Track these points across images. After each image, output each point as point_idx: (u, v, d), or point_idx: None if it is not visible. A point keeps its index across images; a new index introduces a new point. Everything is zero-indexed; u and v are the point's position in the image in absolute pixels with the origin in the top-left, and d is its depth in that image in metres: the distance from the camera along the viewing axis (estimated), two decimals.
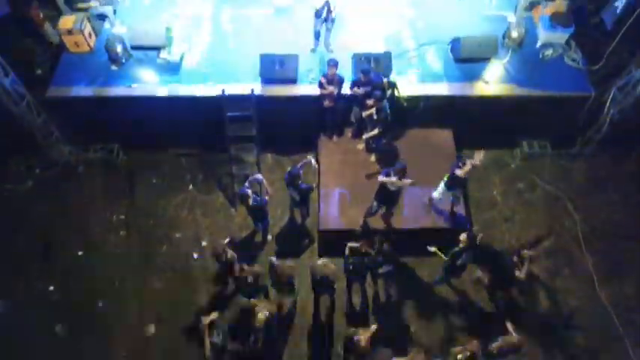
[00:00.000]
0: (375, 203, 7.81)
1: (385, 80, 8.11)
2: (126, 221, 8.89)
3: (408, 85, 8.75)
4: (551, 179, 9.29)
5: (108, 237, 8.74)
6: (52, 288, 8.27)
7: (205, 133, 8.98)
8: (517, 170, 9.46)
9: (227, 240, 7.37)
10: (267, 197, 7.57)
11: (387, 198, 7.64)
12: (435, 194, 8.02)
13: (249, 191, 7.28)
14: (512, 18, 9.63)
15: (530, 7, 9.63)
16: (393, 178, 7.15)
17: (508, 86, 8.83)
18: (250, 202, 7.32)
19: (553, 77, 8.90)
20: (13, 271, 8.40)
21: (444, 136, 9.13)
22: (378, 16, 9.84)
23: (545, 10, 9.26)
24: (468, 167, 7.21)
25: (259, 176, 7.59)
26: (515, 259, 7.22)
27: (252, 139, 8.57)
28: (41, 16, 9.05)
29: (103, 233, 8.76)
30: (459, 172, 7.30)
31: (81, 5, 8.86)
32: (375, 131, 8.08)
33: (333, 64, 7.85)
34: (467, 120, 8.96)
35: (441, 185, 7.82)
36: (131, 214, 8.95)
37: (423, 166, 8.53)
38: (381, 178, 7.23)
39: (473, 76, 8.95)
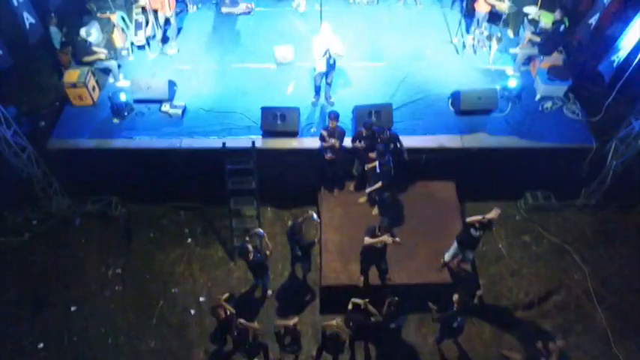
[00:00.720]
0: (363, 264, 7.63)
1: (387, 133, 8.11)
2: (122, 276, 8.67)
3: (409, 137, 8.74)
4: (557, 231, 9.13)
5: (103, 292, 8.49)
6: (41, 345, 7.94)
7: (205, 185, 8.86)
8: (522, 222, 9.32)
9: (225, 296, 7.12)
10: (267, 252, 7.39)
11: (372, 256, 7.44)
12: (447, 256, 7.84)
13: (250, 246, 7.11)
14: (510, 71, 9.79)
15: (528, 61, 9.79)
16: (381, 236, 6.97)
17: (509, 138, 8.82)
18: (251, 257, 7.13)
19: (554, 129, 8.92)
20: (1, 325, 8.09)
21: (446, 189, 9.04)
22: (379, 69, 10.00)
23: (542, 64, 9.40)
24: (485, 218, 7.01)
25: (260, 231, 7.44)
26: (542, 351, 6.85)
27: (252, 192, 8.47)
28: (69, 60, 9.23)
29: (97, 288, 8.52)
30: (475, 234, 7.14)
31: (88, 58, 8.98)
32: (379, 184, 7.99)
33: (334, 116, 7.88)
34: (470, 172, 8.91)
35: (454, 246, 7.64)
36: (127, 268, 8.74)
37: (426, 219, 8.44)
38: (366, 239, 7.05)
39: (473, 129, 8.96)
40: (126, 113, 9.04)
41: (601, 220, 9.23)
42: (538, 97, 9.39)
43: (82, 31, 8.67)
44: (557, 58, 9.35)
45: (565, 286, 8.49)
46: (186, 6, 11.18)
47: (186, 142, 8.76)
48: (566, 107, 9.22)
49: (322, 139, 8.04)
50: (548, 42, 9.15)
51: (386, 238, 6.96)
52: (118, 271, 8.72)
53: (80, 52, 8.93)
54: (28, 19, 8.47)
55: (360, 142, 8.07)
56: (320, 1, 10.00)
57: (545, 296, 8.22)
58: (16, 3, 8.19)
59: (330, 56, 8.41)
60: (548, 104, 9.23)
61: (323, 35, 8.34)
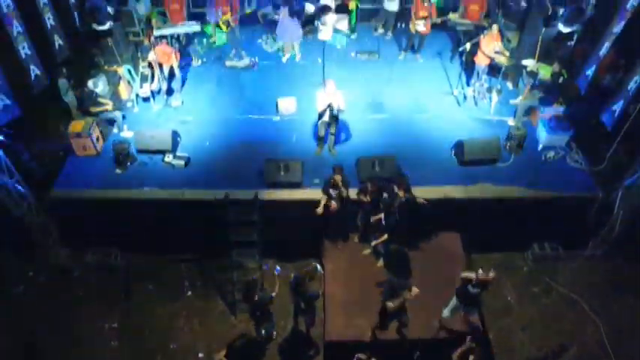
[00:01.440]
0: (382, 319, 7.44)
1: (393, 186, 8.02)
2: (119, 330, 8.36)
3: (413, 189, 8.65)
4: (566, 282, 8.91)
5: (98, 347, 8.14)
6: None
7: (206, 237, 8.73)
8: (530, 274, 9.11)
9: (223, 352, 6.82)
10: (273, 294, 7.15)
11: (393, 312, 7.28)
12: (446, 311, 7.63)
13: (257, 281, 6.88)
14: (511, 122, 9.88)
15: (529, 111, 9.90)
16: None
17: (514, 188, 8.77)
18: (256, 297, 6.88)
19: (558, 178, 8.89)
20: None
21: (451, 240, 8.92)
22: (381, 120, 10.10)
23: (543, 115, 9.50)
24: (479, 278, 6.85)
25: (278, 268, 7.22)
26: None
27: (254, 244, 8.33)
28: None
29: (93, 343, 8.18)
30: (472, 290, 6.97)
31: (93, 109, 9.08)
32: (385, 237, 7.86)
33: (338, 168, 7.85)
34: (475, 223, 8.79)
35: (453, 301, 7.44)
36: (125, 322, 8.44)
37: (431, 271, 8.24)
38: (389, 305, 7.00)
39: (477, 179, 8.93)
40: (128, 164, 9.03)
41: (611, 270, 9.02)
42: (541, 146, 9.43)
43: (90, 83, 8.83)
44: (557, 109, 9.46)
45: (578, 340, 8.17)
46: (191, 59, 11.43)
47: (189, 193, 8.70)
48: (569, 156, 9.24)
49: (326, 190, 7.97)
50: (548, 93, 9.29)
51: (407, 295, 6.90)
52: (115, 326, 8.42)
53: (87, 102, 9.05)
54: (34, 70, 8.69)
55: (365, 195, 8.00)
56: (322, 55, 10.33)
57: (559, 351, 7.91)
58: (23, 55, 8.40)
59: (332, 109, 8.51)
60: (551, 154, 9.25)
61: (327, 91, 8.46)
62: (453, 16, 10.90)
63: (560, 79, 9.09)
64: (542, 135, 9.42)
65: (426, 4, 10.62)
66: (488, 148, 9.09)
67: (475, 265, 8.30)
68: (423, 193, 8.63)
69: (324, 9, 10.38)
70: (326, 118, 8.70)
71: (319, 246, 8.90)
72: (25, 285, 8.88)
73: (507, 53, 9.74)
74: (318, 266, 7.60)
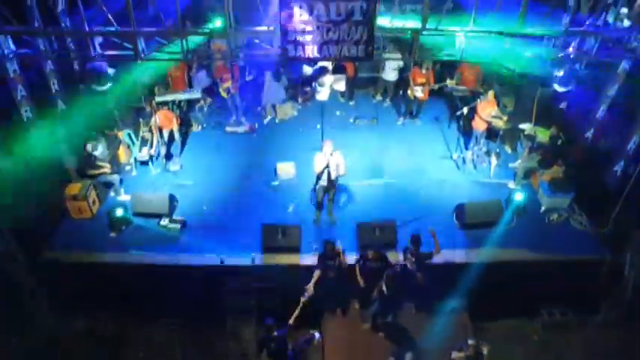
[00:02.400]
0: None
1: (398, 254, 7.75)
2: None
3: None
4: (579, 350, 8.42)
5: None
6: None
7: (201, 303, 8.36)
8: (540, 343, 8.64)
9: None
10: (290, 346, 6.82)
11: None
12: None
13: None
14: (512, 185, 9.81)
15: (529, 174, 9.84)
16: None
17: (518, 251, 8.54)
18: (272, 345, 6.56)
19: (563, 240, 8.72)
20: None
21: (455, 307, 8.49)
22: (380, 185, 10.01)
23: (543, 177, 9.45)
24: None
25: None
26: None
27: (251, 311, 7.96)
28: None
29: None
30: None
31: (92, 172, 9.03)
32: (384, 309, 7.52)
33: (335, 242, 7.60)
34: (479, 288, 8.43)
35: None
36: None
37: (435, 341, 7.83)
38: None
39: (480, 243, 8.70)
40: (123, 227, 8.86)
41: (625, 336, 8.54)
42: (543, 209, 9.29)
43: (89, 146, 8.82)
44: (557, 171, 9.43)
45: None
46: (191, 125, 11.56)
47: (183, 259, 8.46)
48: (572, 219, 9.08)
49: (323, 258, 7.69)
50: (547, 155, 9.30)
51: None
52: None
53: (85, 165, 9.01)
54: None
55: (362, 262, 7.73)
56: (321, 121, 10.46)
57: None
58: (25, 119, 8.49)
59: (330, 172, 8.42)
60: (554, 216, 9.10)
61: (325, 151, 8.43)
62: (450, 83, 11.13)
63: (559, 142, 9.10)
64: (544, 198, 9.32)
65: (423, 71, 10.89)
66: (490, 211, 8.95)
67: (482, 334, 7.91)
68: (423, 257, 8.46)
69: (322, 70, 10.60)
70: (324, 181, 8.59)
71: (318, 314, 8.51)
72: (8, 353, 8.38)
73: (504, 117, 9.84)
74: (317, 334, 7.20)
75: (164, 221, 8.94)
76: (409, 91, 11.31)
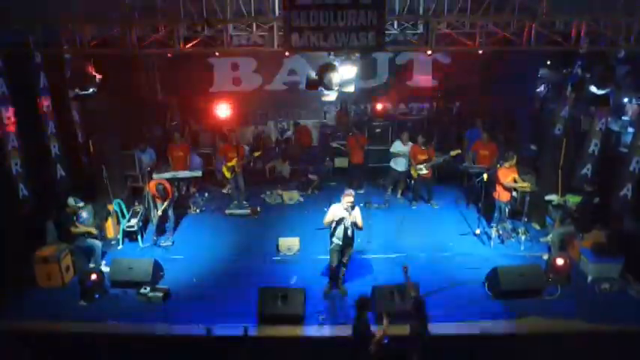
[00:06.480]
0: None
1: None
2: None
3: (436, 325, 6.81)
4: None
5: None
6: None
7: None
8: None
9: None
10: None
11: None
12: None
13: None
14: (546, 257, 8.53)
15: (565, 243, 8.62)
16: None
17: (573, 322, 7.02)
18: None
19: (622, 310, 7.26)
20: None
21: None
22: (398, 260, 8.64)
23: (582, 243, 8.24)
24: None
25: None
26: None
27: None
28: None
29: None
30: None
31: (74, 230, 8.03)
32: None
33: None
34: None
35: None
36: None
37: None
38: None
39: (518, 314, 7.24)
40: (97, 296, 7.54)
41: None
42: (590, 278, 7.91)
43: (71, 200, 7.94)
44: (598, 235, 8.24)
45: None
46: (189, 207, 10.80)
47: (162, 329, 7.00)
48: (628, 287, 7.65)
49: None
50: (583, 217, 8.22)
51: None
52: None
53: (65, 221, 8.01)
54: (22, 190, 8.12)
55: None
56: (327, 204, 9.60)
57: None
58: (14, 172, 7.94)
59: (346, 229, 7.32)
60: (606, 286, 7.68)
61: (343, 203, 7.31)
62: (453, 153, 10.49)
63: (596, 200, 8.10)
64: (588, 265, 8.01)
65: (423, 148, 10.48)
66: (529, 276, 7.61)
67: None
68: (456, 329, 6.96)
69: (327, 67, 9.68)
70: (338, 239, 7.40)
71: None
72: None
73: (529, 182, 8.98)
74: None
75: (145, 289, 7.63)
76: (412, 171, 10.70)
